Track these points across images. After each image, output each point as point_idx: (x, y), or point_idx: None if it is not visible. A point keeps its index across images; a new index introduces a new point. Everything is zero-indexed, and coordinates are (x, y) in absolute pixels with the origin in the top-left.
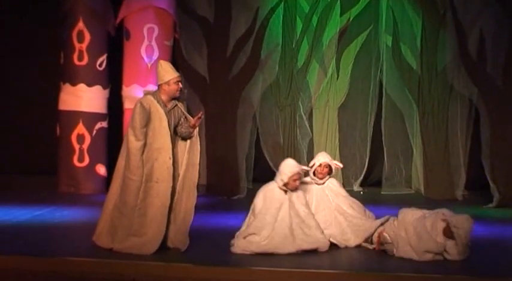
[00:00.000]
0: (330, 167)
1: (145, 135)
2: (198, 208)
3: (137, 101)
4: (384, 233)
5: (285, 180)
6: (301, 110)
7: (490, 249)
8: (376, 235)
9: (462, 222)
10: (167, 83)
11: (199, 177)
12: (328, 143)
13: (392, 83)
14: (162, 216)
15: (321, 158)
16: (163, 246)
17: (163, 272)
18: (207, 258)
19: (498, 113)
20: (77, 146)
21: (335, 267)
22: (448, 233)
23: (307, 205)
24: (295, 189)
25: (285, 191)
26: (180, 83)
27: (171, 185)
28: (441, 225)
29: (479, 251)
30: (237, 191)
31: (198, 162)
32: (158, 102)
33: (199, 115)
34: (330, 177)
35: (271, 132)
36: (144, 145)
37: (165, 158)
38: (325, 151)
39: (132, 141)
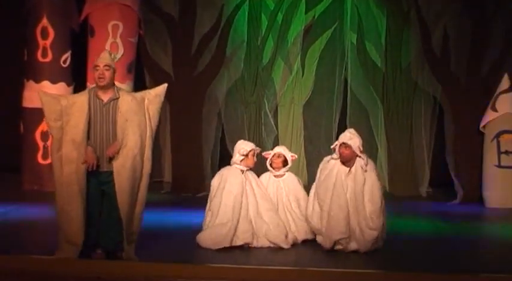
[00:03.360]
0: (284, 157)
1: (62, 130)
2: (160, 205)
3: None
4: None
5: (245, 153)
6: (266, 107)
7: (454, 245)
8: None
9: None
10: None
11: (164, 174)
12: (293, 140)
13: (357, 80)
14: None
15: (276, 149)
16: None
17: (128, 270)
18: (172, 256)
19: (462, 110)
20: (41, 144)
21: (300, 264)
22: (343, 151)
23: (263, 186)
24: (250, 167)
25: (242, 171)
26: (98, 69)
27: (81, 188)
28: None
29: (444, 247)
30: (202, 188)
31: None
32: (91, 97)
33: (113, 149)
34: (288, 170)
35: (237, 130)
36: (61, 141)
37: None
38: (291, 148)
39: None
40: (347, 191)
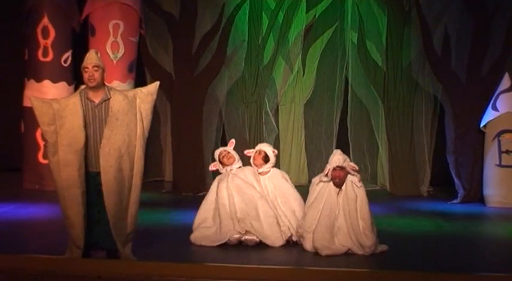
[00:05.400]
0: (265, 154)
1: (56, 134)
2: (160, 205)
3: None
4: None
5: (216, 159)
6: (267, 106)
7: (455, 245)
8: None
9: (332, 158)
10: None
11: (165, 173)
12: (294, 139)
13: (358, 79)
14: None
15: (258, 146)
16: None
17: (128, 270)
18: (172, 255)
19: (462, 109)
20: (41, 143)
21: (300, 264)
22: (338, 174)
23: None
24: (230, 164)
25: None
26: (88, 71)
27: (82, 190)
28: (331, 186)
29: (444, 247)
30: (202, 187)
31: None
32: (82, 98)
33: None
34: (272, 166)
35: (237, 129)
36: (57, 145)
37: (80, 161)
38: (291, 147)
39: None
40: (340, 210)
